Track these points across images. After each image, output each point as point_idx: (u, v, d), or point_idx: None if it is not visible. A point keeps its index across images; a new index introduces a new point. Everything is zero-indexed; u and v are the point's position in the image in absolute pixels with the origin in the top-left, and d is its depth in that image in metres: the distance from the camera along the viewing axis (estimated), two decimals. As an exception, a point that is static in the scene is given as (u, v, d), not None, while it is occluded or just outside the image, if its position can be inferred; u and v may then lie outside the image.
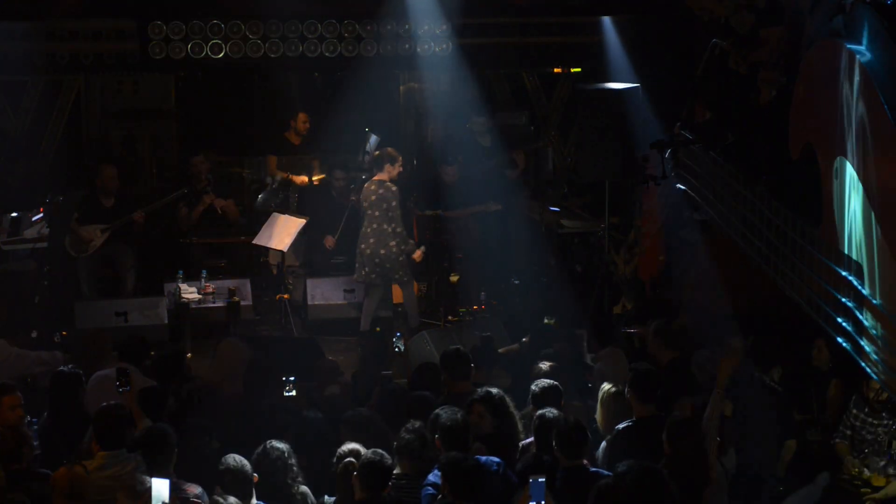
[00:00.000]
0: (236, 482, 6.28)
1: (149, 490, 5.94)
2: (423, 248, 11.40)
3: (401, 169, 11.33)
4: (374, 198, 11.12)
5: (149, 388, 7.61)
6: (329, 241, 12.07)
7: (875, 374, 6.58)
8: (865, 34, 6.87)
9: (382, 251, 11.12)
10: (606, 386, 7.53)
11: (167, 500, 5.80)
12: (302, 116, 13.00)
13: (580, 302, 10.92)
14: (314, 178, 12.95)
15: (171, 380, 8.01)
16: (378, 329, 11.29)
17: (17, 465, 6.86)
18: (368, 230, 11.16)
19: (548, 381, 7.38)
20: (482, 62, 13.00)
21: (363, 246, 11.18)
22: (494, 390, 7.21)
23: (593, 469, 6.54)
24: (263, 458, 6.49)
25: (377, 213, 11.10)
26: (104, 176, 11.78)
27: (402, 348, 9.26)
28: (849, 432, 7.87)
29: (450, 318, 11.79)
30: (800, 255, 7.40)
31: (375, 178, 11.20)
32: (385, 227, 11.07)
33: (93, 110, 13.17)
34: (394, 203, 11.09)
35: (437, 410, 6.72)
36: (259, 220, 12.28)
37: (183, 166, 13.13)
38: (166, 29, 12.33)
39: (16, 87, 12.77)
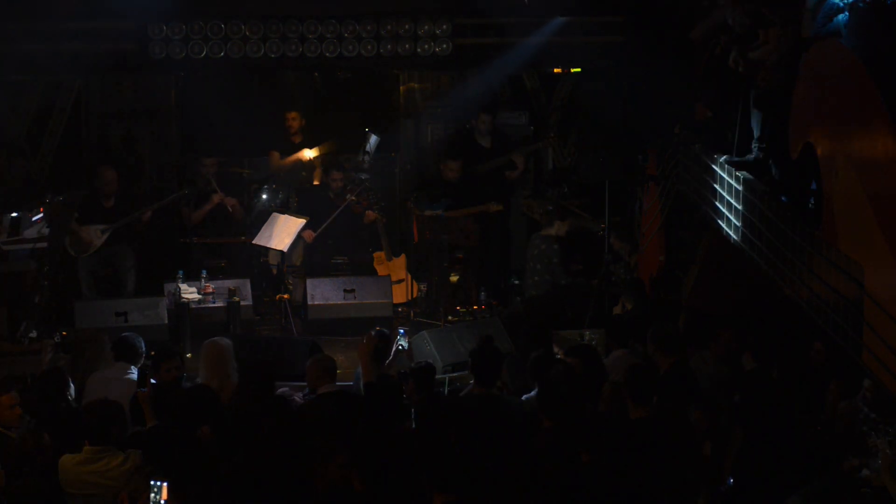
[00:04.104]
0: None
1: (147, 489, 5.96)
2: None
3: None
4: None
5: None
6: (308, 235, 12.07)
7: (874, 373, 6.57)
8: (866, 34, 6.87)
9: None
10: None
11: (165, 500, 5.81)
12: (290, 115, 13.03)
13: (585, 302, 10.92)
14: (310, 154, 12.95)
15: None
16: (378, 328, 11.27)
17: (28, 469, 6.88)
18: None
19: None
20: (482, 62, 13.00)
21: None
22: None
23: None
24: None
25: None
26: (103, 179, 11.79)
27: (407, 346, 9.28)
28: (851, 433, 7.85)
29: (450, 318, 11.79)
30: (799, 255, 7.40)
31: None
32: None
33: (93, 110, 13.16)
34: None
35: None
36: (259, 219, 12.28)
37: (183, 167, 13.13)
38: (166, 29, 12.32)
39: (16, 87, 12.76)
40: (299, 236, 11.88)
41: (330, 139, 13.15)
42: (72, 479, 6.74)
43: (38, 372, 9.01)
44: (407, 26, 12.49)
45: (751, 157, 8.63)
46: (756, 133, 8.61)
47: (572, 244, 11.98)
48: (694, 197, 9.77)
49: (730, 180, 8.78)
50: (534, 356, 8.23)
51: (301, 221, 11.78)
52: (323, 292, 11.58)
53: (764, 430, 7.48)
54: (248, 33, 12.38)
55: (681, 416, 7.31)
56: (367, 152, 13.02)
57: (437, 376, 9.41)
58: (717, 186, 9.09)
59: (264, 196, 13.06)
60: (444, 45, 12.56)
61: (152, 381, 7.60)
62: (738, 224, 8.59)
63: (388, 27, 12.46)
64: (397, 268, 12.31)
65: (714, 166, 9.16)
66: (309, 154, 13.01)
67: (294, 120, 13.02)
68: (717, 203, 9.09)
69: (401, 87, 13.76)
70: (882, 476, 6.49)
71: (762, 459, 7.32)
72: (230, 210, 12.27)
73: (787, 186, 7.99)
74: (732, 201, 8.70)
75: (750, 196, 8.31)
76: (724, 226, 8.94)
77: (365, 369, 7.85)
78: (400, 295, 12.12)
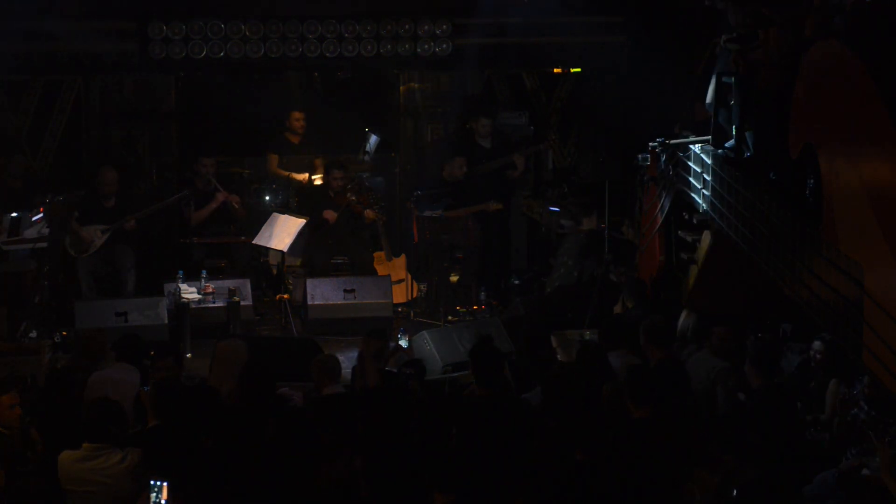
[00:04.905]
0: None
1: (146, 488, 5.97)
2: None
3: None
4: None
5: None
6: (330, 215, 12.06)
7: (874, 373, 6.57)
8: (865, 33, 6.87)
9: None
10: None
11: (165, 500, 5.82)
12: (295, 114, 13.02)
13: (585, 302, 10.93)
14: (314, 176, 12.95)
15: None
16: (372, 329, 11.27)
17: (22, 467, 6.89)
18: None
19: None
20: (482, 62, 13.00)
21: None
22: None
23: None
24: None
25: None
26: (103, 179, 11.80)
27: (407, 344, 9.28)
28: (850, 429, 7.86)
29: (450, 318, 11.78)
30: (799, 255, 7.40)
31: None
32: None
33: (93, 110, 13.16)
34: None
35: None
36: (260, 219, 12.28)
37: (183, 167, 13.13)
38: (166, 29, 12.32)
39: (16, 87, 12.76)
40: (301, 234, 11.87)
41: (322, 148, 13.12)
42: (70, 475, 6.77)
43: (38, 372, 9.02)
44: (407, 26, 12.49)
45: (748, 154, 8.63)
46: (753, 132, 8.61)
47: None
48: (693, 197, 9.77)
49: (729, 180, 8.78)
50: (535, 356, 8.24)
51: (301, 221, 11.78)
52: (323, 292, 11.58)
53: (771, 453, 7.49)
54: (248, 33, 12.38)
55: (682, 415, 7.32)
56: (368, 152, 13.02)
57: (437, 376, 9.43)
58: (715, 185, 9.09)
59: (267, 197, 13.08)
60: (444, 45, 12.57)
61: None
62: (736, 223, 8.59)
63: (388, 27, 12.47)
64: (397, 268, 12.31)
65: (714, 165, 9.16)
66: (306, 176, 12.98)
67: (298, 120, 13.01)
68: (716, 202, 9.09)
69: (401, 87, 13.77)
70: (882, 475, 6.49)
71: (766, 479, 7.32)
72: (235, 206, 12.28)
73: (785, 186, 7.99)
74: (731, 200, 8.71)
75: (749, 195, 8.31)
76: (723, 225, 8.94)
77: (369, 373, 7.85)
78: (400, 295, 12.12)
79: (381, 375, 7.97)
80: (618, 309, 10.63)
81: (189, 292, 11.18)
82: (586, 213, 11.99)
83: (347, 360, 10.36)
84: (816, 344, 8.41)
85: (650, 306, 9.93)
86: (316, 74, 13.78)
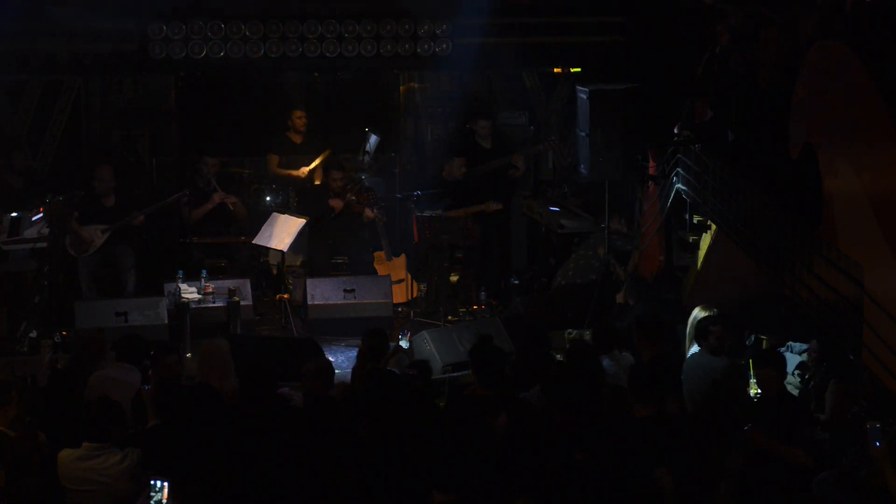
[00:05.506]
0: None
1: (146, 488, 5.97)
2: None
3: None
4: None
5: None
6: (336, 203, 12.05)
7: (874, 373, 6.58)
8: (865, 33, 6.88)
9: None
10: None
11: (164, 501, 5.82)
12: (297, 113, 13.02)
13: (585, 302, 10.93)
14: (313, 165, 12.94)
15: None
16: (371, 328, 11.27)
17: (23, 468, 6.89)
18: None
19: None
20: (482, 62, 13.00)
21: None
22: None
23: None
24: None
25: None
26: (101, 177, 11.78)
27: (408, 345, 9.26)
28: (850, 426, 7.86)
29: (450, 318, 11.79)
30: (799, 255, 7.40)
31: None
32: None
33: (93, 110, 13.16)
34: None
35: None
36: (260, 219, 12.28)
37: (183, 167, 13.13)
38: (166, 29, 12.32)
39: (16, 87, 12.76)
40: (301, 234, 11.88)
41: (324, 148, 13.10)
42: (69, 474, 6.78)
43: (38, 372, 9.01)
44: (407, 26, 12.49)
45: (745, 152, 8.65)
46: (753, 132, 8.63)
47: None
48: (693, 196, 9.79)
49: (729, 180, 8.78)
50: (534, 356, 8.24)
51: (301, 221, 11.78)
52: (323, 292, 11.58)
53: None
54: (248, 33, 12.38)
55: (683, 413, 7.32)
56: (367, 152, 13.02)
57: (437, 376, 9.42)
58: (715, 185, 9.10)
59: (267, 197, 13.08)
60: (444, 45, 12.57)
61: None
62: (736, 223, 8.60)
63: (388, 27, 12.47)
64: (397, 268, 12.31)
65: (713, 165, 9.17)
66: (305, 170, 12.97)
67: (300, 119, 13.02)
68: (716, 202, 9.10)
69: (401, 87, 13.76)
70: (882, 467, 6.48)
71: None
72: (231, 208, 12.28)
73: (786, 185, 8.01)
74: (731, 200, 8.71)
75: (748, 195, 8.32)
76: (723, 224, 8.96)
77: (357, 375, 7.86)
78: (400, 295, 12.12)
79: (369, 376, 7.94)
80: (619, 299, 10.62)
81: (189, 292, 11.18)
82: (620, 214, 12.03)
83: (348, 360, 10.40)
84: (814, 344, 8.41)
85: (652, 304, 9.95)
86: (316, 74, 13.78)
